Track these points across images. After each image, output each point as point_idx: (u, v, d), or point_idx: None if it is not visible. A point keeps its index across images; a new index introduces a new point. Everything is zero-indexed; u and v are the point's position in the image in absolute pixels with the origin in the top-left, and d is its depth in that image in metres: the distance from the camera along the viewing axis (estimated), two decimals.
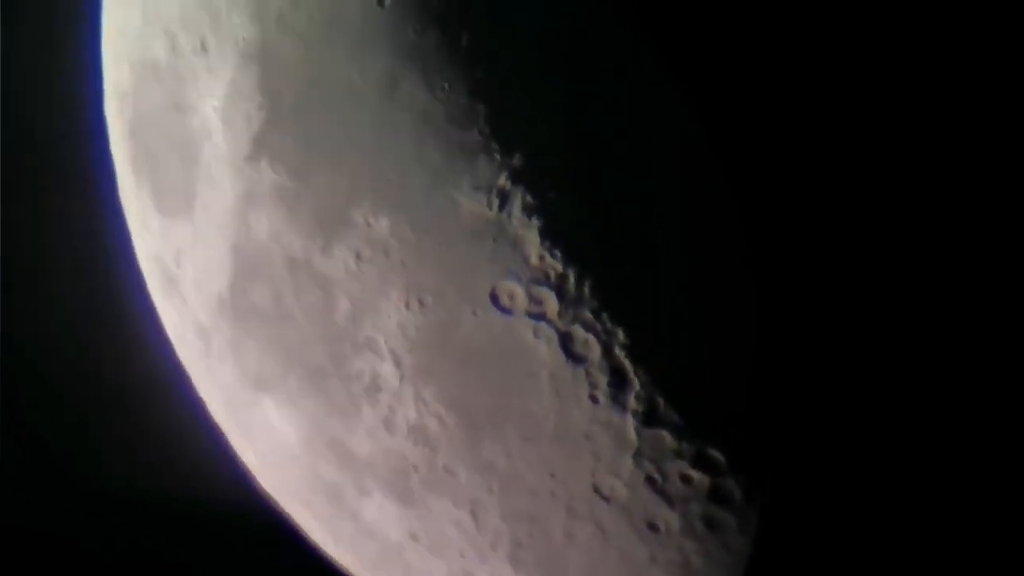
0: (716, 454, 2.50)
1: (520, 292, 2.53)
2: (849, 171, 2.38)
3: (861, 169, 2.38)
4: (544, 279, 2.51)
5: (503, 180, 2.50)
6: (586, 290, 2.49)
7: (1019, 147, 2.38)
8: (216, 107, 2.80)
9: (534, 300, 2.53)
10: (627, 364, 2.50)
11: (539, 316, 2.53)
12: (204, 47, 2.80)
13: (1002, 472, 2.49)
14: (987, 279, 2.41)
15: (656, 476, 2.55)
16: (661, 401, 2.50)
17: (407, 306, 2.64)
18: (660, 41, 2.39)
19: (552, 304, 2.52)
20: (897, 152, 2.37)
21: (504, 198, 2.50)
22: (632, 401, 2.51)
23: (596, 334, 2.50)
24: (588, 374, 2.53)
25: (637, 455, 2.54)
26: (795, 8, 2.36)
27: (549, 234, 2.49)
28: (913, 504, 2.50)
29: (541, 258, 2.50)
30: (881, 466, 2.48)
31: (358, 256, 2.67)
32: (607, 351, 2.50)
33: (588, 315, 2.50)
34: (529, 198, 2.48)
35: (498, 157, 2.49)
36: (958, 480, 2.49)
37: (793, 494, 2.53)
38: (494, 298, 2.55)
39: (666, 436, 2.51)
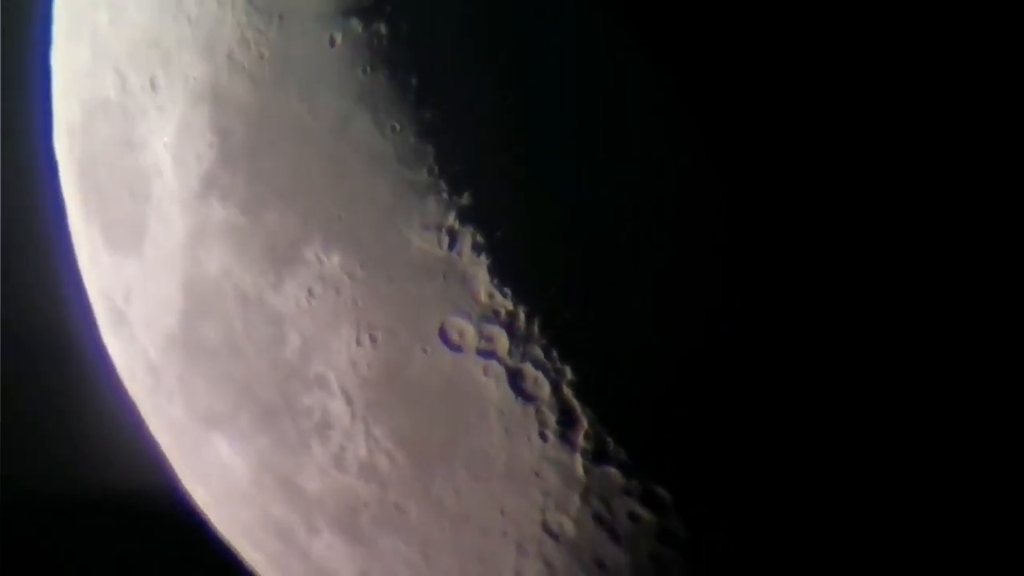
0: (663, 492, 2.51)
1: (470, 330, 2.53)
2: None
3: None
4: (494, 317, 2.51)
5: (452, 219, 2.50)
6: (536, 328, 2.50)
7: (1004, 148, 2.34)
8: (167, 144, 2.79)
9: (484, 338, 2.53)
10: (576, 402, 2.50)
11: (489, 354, 2.53)
12: (154, 85, 2.79)
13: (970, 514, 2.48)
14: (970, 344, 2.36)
15: (605, 514, 2.55)
16: (610, 439, 2.50)
17: (358, 343, 2.63)
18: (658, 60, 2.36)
19: (502, 342, 2.52)
20: (889, 199, 2.33)
21: (453, 236, 2.51)
22: (581, 439, 2.52)
23: (546, 372, 2.51)
24: (538, 412, 2.53)
25: (586, 493, 2.54)
26: (794, 8, 2.34)
27: (498, 271, 2.49)
28: (866, 542, 2.51)
29: (490, 296, 2.51)
30: (834, 507, 2.49)
31: (309, 292, 2.66)
32: (556, 389, 2.50)
33: (538, 353, 2.51)
34: (479, 236, 2.49)
35: (447, 196, 2.50)
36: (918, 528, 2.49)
37: (742, 533, 2.54)
38: (444, 336, 2.55)
39: (614, 473, 2.52)
